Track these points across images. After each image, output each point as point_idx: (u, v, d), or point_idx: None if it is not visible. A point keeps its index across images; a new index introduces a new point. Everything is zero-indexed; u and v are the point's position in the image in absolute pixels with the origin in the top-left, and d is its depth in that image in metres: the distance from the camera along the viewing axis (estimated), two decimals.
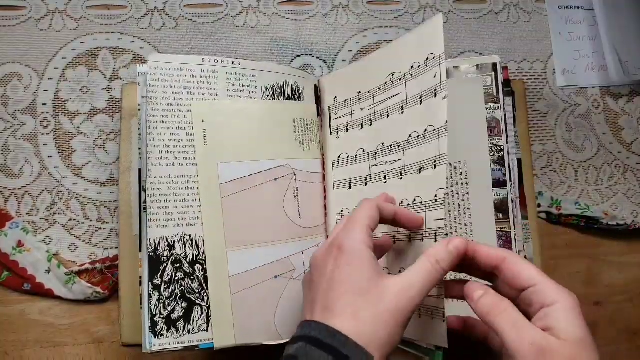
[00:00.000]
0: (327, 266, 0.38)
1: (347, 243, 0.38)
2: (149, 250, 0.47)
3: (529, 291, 0.36)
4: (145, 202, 0.48)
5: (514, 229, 0.52)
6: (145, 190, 0.48)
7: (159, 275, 0.47)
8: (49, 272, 0.54)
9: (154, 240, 0.47)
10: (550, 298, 0.35)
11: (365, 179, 0.50)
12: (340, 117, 0.54)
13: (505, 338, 0.34)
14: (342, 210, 0.52)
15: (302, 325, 0.37)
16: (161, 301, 0.47)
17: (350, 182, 0.52)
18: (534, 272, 0.36)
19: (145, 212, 0.48)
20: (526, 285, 0.36)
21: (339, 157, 0.53)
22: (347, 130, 0.53)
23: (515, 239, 0.52)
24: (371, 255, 0.38)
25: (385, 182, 0.48)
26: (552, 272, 0.61)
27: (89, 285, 0.54)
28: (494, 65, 0.53)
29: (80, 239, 0.57)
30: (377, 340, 0.35)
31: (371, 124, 0.50)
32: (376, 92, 0.50)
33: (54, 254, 0.55)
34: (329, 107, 0.55)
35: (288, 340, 0.40)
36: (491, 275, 0.39)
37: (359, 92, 0.52)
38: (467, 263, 0.39)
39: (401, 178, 0.46)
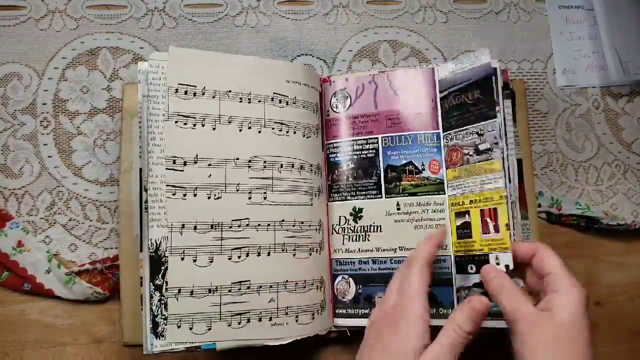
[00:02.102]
0: (384, 330, 0.44)
1: (407, 318, 0.42)
2: (150, 250, 0.47)
3: (547, 277, 0.43)
4: (146, 201, 0.48)
5: (513, 229, 0.52)
6: (146, 190, 0.48)
7: (160, 276, 0.47)
8: (49, 272, 0.54)
9: (155, 240, 0.47)
10: (558, 286, 0.41)
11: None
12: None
13: (506, 309, 0.42)
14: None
15: None
16: (162, 302, 0.47)
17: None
18: (553, 262, 0.43)
19: (147, 211, 0.48)
20: (546, 273, 0.43)
21: None
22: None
23: (514, 239, 0.52)
24: (425, 330, 0.42)
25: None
26: None
27: (89, 285, 0.54)
28: (494, 69, 0.53)
29: (80, 239, 0.57)
30: None
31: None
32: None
33: (54, 254, 0.55)
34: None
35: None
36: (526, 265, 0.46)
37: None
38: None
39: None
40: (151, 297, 0.47)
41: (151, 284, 0.47)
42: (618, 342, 0.61)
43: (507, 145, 0.52)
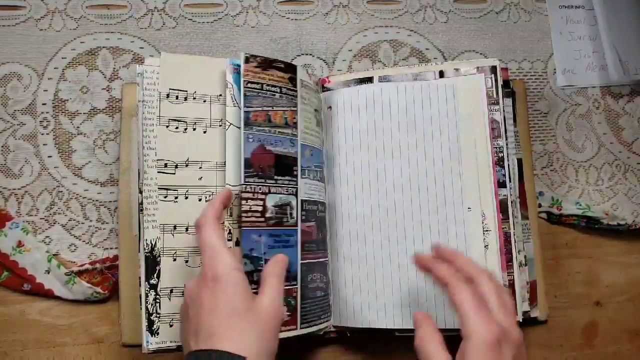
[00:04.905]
0: (203, 296, 0.40)
1: (220, 272, 0.40)
2: (146, 250, 0.48)
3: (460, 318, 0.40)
4: (141, 203, 0.48)
5: (514, 229, 0.52)
6: (141, 192, 0.48)
7: (155, 275, 0.48)
8: (48, 272, 0.54)
9: (151, 240, 0.48)
10: (467, 330, 0.39)
11: None
12: None
13: None
14: None
15: (197, 356, 0.38)
16: (157, 300, 0.47)
17: None
18: (462, 300, 0.40)
19: (142, 213, 0.48)
20: (457, 312, 0.40)
21: None
22: None
23: (514, 239, 0.52)
24: (242, 278, 0.41)
25: None
26: (552, 272, 0.61)
27: (89, 285, 0.54)
28: (494, 67, 0.53)
29: (80, 239, 0.57)
30: (264, 352, 0.39)
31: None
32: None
33: (53, 254, 0.55)
34: None
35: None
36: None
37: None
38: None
39: None
40: (147, 295, 0.47)
41: (147, 283, 0.47)
42: (618, 342, 0.61)
43: (507, 145, 0.52)
